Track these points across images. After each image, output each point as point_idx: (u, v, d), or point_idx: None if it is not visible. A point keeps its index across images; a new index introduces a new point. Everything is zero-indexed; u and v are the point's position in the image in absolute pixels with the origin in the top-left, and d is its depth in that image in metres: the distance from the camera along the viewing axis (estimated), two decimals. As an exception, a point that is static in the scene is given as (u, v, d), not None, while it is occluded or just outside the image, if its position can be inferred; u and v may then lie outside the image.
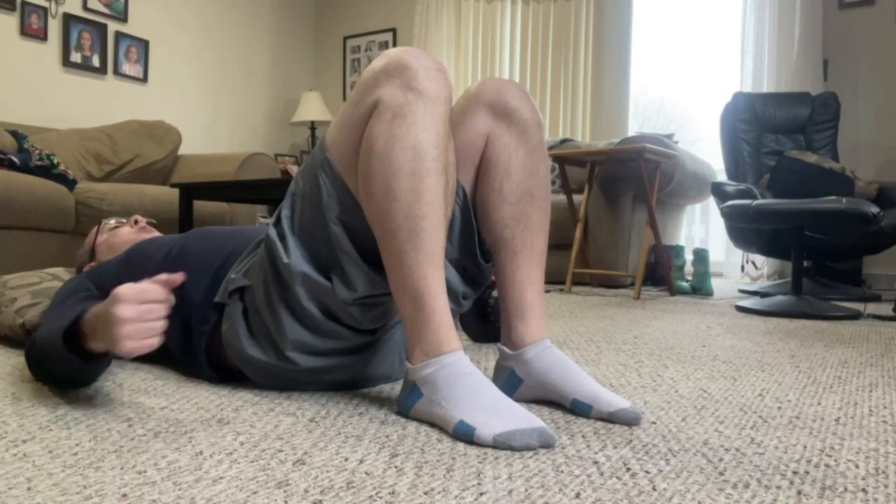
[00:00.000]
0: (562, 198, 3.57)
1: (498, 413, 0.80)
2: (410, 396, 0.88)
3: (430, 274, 0.87)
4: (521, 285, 1.02)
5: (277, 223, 1.01)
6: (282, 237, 0.99)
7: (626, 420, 0.88)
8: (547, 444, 0.77)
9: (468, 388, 0.83)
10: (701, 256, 3.14)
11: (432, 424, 0.86)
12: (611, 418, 0.89)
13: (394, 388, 1.06)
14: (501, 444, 0.76)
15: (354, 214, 0.94)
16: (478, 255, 1.04)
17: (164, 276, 0.87)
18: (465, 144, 1.04)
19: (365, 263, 0.94)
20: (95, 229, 1.47)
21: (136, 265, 1.19)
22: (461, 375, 0.84)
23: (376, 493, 0.63)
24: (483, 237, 1.05)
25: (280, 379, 1.03)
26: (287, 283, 0.96)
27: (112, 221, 1.47)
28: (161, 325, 0.85)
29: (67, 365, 0.91)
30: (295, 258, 0.96)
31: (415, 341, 0.88)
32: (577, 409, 0.93)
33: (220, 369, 1.10)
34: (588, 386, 0.93)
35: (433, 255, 0.87)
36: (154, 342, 0.84)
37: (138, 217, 1.47)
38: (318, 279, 0.95)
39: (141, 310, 0.82)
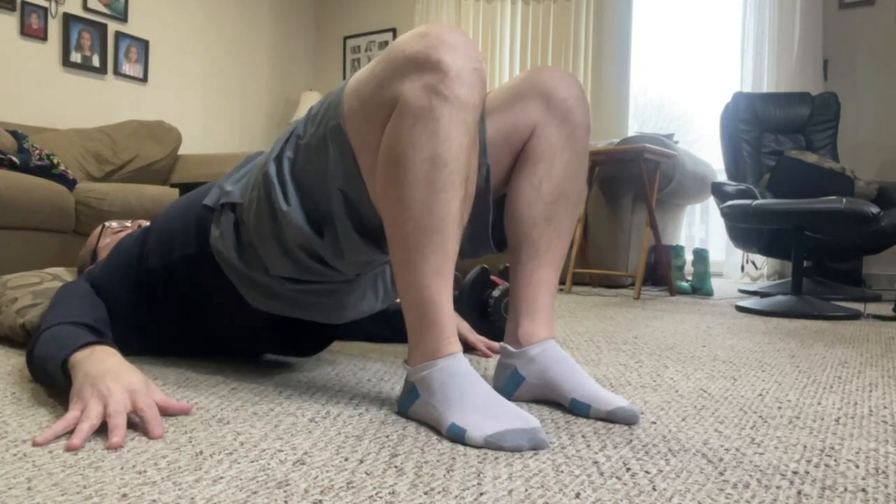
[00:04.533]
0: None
1: (490, 413, 0.80)
2: (409, 398, 0.88)
3: (437, 284, 0.86)
4: (538, 286, 1.01)
5: (278, 162, 0.99)
6: (282, 181, 0.97)
7: (624, 419, 0.88)
8: (538, 447, 0.77)
9: (460, 389, 0.83)
10: (701, 256, 3.14)
11: (431, 425, 0.86)
12: (609, 417, 0.89)
13: (394, 389, 1.06)
14: (492, 445, 0.76)
15: (358, 188, 0.93)
16: (489, 237, 1.04)
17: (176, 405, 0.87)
18: (508, 130, 1.01)
19: (358, 235, 0.94)
20: (98, 231, 1.46)
21: (117, 256, 1.21)
22: (455, 377, 0.84)
23: (376, 493, 0.63)
24: (506, 229, 1.04)
25: (264, 295, 1.05)
26: (281, 224, 0.97)
27: (115, 224, 1.47)
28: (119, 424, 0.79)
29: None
30: (294, 207, 0.96)
31: (415, 343, 0.88)
32: (576, 408, 0.93)
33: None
34: (587, 386, 0.93)
35: (441, 267, 0.86)
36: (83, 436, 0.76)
37: (141, 222, 1.47)
38: (313, 236, 0.96)
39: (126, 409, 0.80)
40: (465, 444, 0.78)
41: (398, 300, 1.20)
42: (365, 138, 0.90)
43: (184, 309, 1.16)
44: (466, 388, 0.83)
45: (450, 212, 0.85)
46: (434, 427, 0.84)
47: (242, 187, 1.06)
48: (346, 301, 1.09)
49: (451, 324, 0.87)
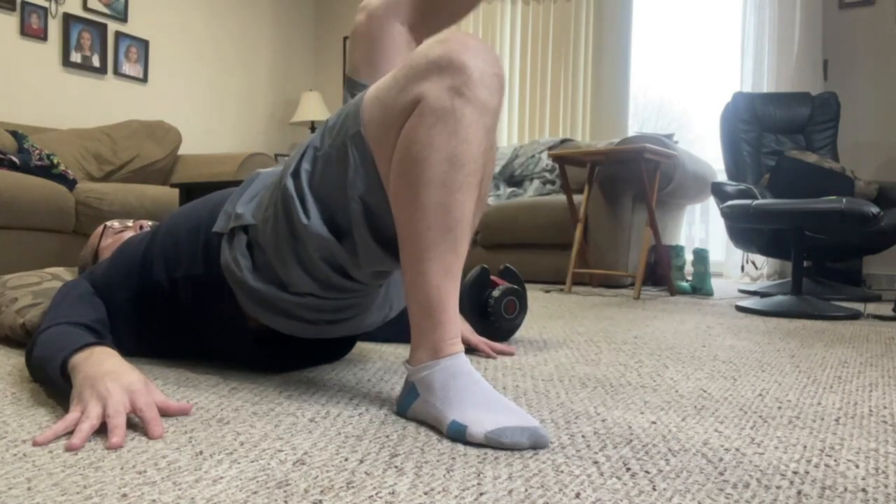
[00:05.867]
0: (562, 198, 3.57)
1: (490, 410, 0.80)
2: (408, 397, 0.88)
3: (445, 285, 0.86)
4: None
5: (296, 176, 0.99)
6: (301, 195, 0.97)
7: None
8: (538, 444, 0.77)
9: (461, 388, 0.83)
10: (701, 256, 3.14)
11: (431, 424, 0.86)
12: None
13: (394, 389, 1.06)
14: (492, 441, 0.76)
15: (378, 196, 0.93)
16: None
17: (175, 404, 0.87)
18: None
19: (377, 244, 0.94)
20: (100, 231, 1.46)
21: (121, 259, 1.20)
22: (456, 376, 0.84)
23: (376, 493, 0.63)
24: None
25: (276, 312, 1.04)
26: (302, 239, 0.97)
27: (116, 224, 1.47)
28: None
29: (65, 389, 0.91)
30: (314, 220, 0.96)
31: (417, 343, 0.88)
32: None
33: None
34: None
35: (451, 267, 0.86)
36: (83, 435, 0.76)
37: (143, 222, 1.47)
38: (335, 244, 0.96)
39: (125, 408, 0.80)
40: (465, 441, 0.78)
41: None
42: (385, 144, 0.90)
43: (184, 324, 1.15)
44: (468, 386, 0.83)
45: (464, 213, 0.85)
46: (434, 426, 0.84)
47: (254, 208, 1.05)
48: (364, 314, 1.09)
49: (456, 324, 0.87)
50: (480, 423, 0.78)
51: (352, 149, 0.93)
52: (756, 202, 2.43)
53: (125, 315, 1.16)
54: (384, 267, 0.98)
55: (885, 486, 0.67)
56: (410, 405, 0.88)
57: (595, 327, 1.87)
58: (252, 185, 1.12)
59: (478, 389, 0.83)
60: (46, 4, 3.83)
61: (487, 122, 0.86)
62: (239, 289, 1.04)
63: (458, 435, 0.79)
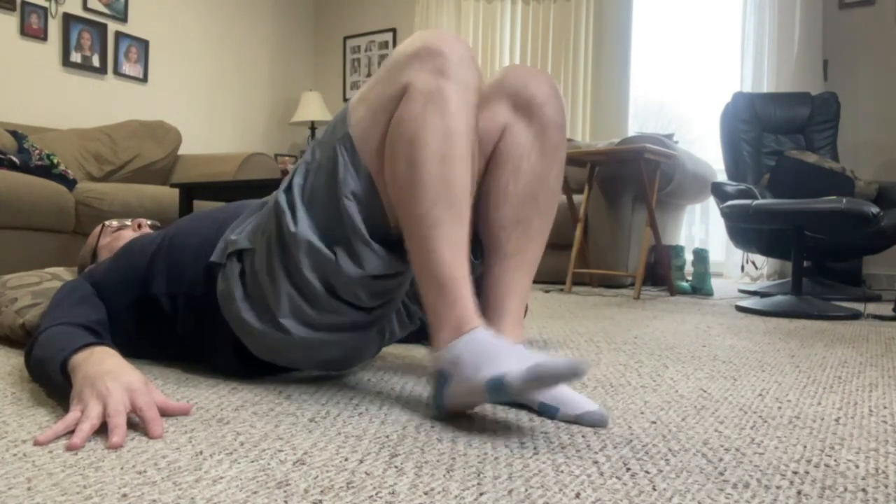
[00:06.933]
0: (562, 198, 3.57)
1: (521, 359, 0.77)
2: (441, 386, 0.86)
3: (456, 260, 0.86)
4: (506, 289, 0.99)
5: (288, 190, 1.00)
6: (291, 206, 0.98)
7: (592, 423, 0.87)
8: (578, 372, 0.73)
9: (489, 351, 0.81)
10: (701, 256, 3.14)
11: (433, 424, 0.86)
12: (577, 421, 0.87)
13: (393, 389, 1.06)
14: (532, 374, 0.73)
15: (369, 194, 0.93)
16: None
17: (174, 404, 0.87)
18: (479, 134, 0.99)
19: (373, 242, 0.94)
20: (98, 230, 1.46)
21: (125, 263, 1.19)
22: (484, 345, 0.82)
23: (376, 493, 0.63)
24: (478, 232, 1.04)
25: (270, 349, 1.03)
26: (291, 250, 0.96)
27: (114, 223, 1.47)
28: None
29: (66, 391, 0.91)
30: (302, 227, 0.95)
31: (437, 327, 0.87)
32: (545, 411, 0.90)
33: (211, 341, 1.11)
34: (556, 389, 0.91)
35: (459, 241, 0.86)
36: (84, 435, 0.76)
37: (142, 221, 1.47)
38: (324, 251, 0.94)
39: (125, 408, 0.80)
40: (505, 390, 0.75)
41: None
42: (373, 140, 0.92)
43: (180, 336, 1.15)
44: (499, 350, 0.81)
45: (464, 186, 0.87)
46: (469, 406, 0.84)
47: (249, 233, 1.05)
48: (351, 352, 1.07)
49: (471, 299, 0.86)
50: (518, 367, 0.75)
51: (341, 150, 0.94)
52: (756, 202, 2.43)
53: (123, 318, 1.16)
54: (385, 268, 0.96)
55: (885, 487, 0.67)
56: (445, 391, 0.85)
57: (595, 327, 1.87)
58: (252, 214, 1.12)
59: (510, 351, 0.80)
60: (46, 4, 3.83)
61: (471, 100, 0.89)
62: (231, 318, 1.03)
63: (497, 388, 0.76)
